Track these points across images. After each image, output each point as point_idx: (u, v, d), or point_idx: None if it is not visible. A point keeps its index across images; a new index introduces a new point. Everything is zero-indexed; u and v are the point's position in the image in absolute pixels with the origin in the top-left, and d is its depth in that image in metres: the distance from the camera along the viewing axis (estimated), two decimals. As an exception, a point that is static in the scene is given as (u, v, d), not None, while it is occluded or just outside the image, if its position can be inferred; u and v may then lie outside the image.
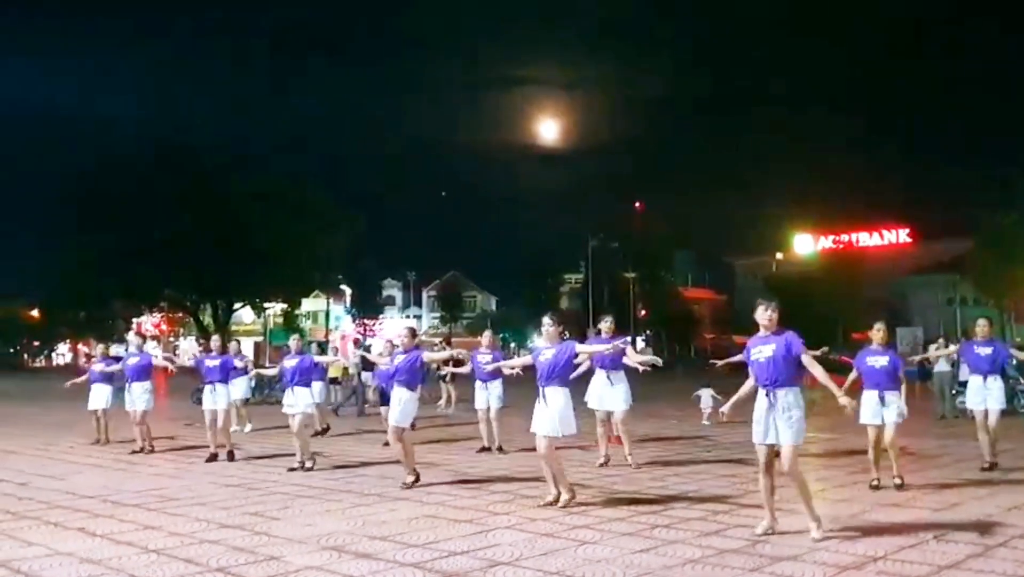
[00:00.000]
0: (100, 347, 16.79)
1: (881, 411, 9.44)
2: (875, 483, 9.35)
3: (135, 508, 8.76)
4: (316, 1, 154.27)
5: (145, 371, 13.80)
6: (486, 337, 14.00)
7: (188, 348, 79.43)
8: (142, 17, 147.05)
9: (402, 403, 9.89)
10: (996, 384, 10.83)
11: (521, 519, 7.90)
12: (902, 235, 79.82)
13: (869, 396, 9.54)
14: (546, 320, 9.09)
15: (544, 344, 8.99)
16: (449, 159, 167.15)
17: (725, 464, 11.55)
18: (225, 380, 12.99)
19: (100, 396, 14.79)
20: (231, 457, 12.39)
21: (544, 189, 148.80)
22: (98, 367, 15.08)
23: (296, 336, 12.62)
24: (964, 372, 17.81)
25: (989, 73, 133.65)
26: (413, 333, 10.53)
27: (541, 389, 8.65)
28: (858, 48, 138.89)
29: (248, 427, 16.47)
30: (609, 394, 11.31)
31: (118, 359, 15.15)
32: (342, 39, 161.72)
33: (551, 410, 8.55)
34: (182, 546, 6.98)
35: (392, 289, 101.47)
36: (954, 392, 18.45)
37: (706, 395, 17.79)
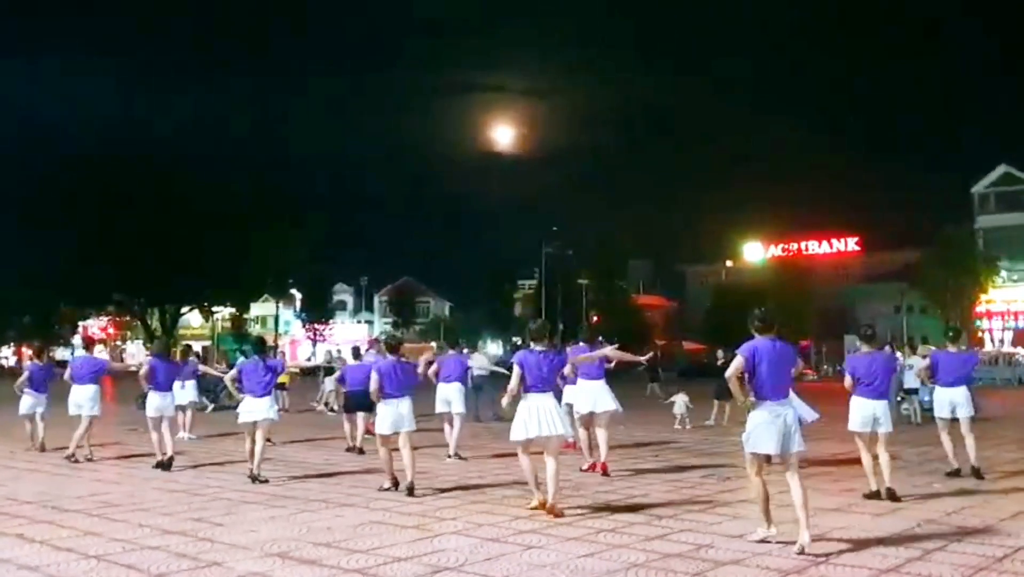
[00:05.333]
0: (28, 353, 16.50)
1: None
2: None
3: (75, 514, 8.62)
4: (277, 6, 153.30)
5: (98, 375, 13.59)
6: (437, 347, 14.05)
7: (135, 352, 78.44)
8: (101, 18, 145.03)
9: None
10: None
11: (467, 524, 7.89)
12: (851, 244, 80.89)
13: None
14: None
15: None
16: (403, 164, 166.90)
17: (671, 471, 11.61)
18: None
19: (33, 401, 14.56)
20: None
21: (500, 195, 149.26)
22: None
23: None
24: (909, 380, 18.13)
25: (939, 87, 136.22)
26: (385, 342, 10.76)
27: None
28: (810, 60, 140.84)
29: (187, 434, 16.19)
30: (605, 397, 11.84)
31: (63, 363, 14.86)
32: (304, 46, 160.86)
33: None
34: (123, 552, 6.88)
35: (344, 294, 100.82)
36: (899, 399, 18.71)
37: (680, 401, 17.93)
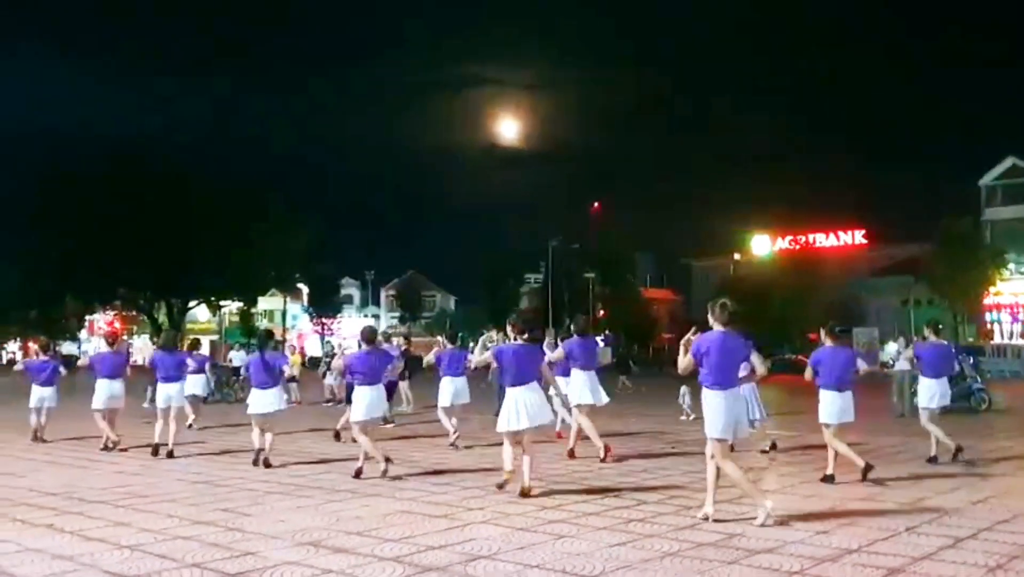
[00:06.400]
0: (35, 348, 16.64)
1: None
2: None
3: (102, 505, 8.63)
4: (276, 5, 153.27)
5: (121, 368, 13.86)
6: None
7: (142, 346, 78.39)
8: (107, 20, 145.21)
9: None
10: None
11: (496, 513, 7.90)
12: (858, 237, 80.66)
13: None
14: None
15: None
16: (410, 160, 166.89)
17: (687, 457, 11.59)
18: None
19: (41, 395, 14.69)
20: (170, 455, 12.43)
21: (506, 190, 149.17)
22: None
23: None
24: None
25: (946, 79, 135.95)
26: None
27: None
28: (818, 56, 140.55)
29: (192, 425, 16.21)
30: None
31: (70, 357, 14.94)
32: (303, 43, 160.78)
33: None
34: (155, 542, 6.89)
35: (350, 288, 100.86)
36: (913, 391, 18.65)
37: (686, 393, 17.86)
